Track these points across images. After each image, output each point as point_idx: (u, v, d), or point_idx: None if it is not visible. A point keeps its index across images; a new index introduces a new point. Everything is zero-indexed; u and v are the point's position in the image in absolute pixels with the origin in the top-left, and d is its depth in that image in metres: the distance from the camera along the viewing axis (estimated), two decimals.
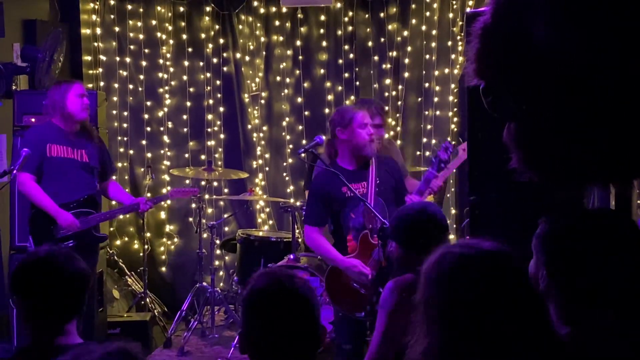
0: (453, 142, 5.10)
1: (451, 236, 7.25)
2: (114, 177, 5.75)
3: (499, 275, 1.80)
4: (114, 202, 6.02)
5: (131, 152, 7.58)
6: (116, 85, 7.57)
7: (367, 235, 4.72)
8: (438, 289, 1.90)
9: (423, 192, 4.92)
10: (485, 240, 1.83)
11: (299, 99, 7.52)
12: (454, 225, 7.21)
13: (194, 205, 7.39)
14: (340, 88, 7.43)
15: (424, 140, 7.30)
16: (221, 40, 7.55)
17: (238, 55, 7.54)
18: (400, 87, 7.35)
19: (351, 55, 7.42)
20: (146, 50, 7.57)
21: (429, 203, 3.92)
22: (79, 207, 5.39)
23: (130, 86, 7.59)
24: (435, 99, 7.27)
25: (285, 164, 7.59)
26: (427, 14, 7.25)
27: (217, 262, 7.32)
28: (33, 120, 6.27)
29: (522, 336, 1.77)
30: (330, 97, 7.46)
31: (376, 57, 7.38)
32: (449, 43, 7.22)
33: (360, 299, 4.68)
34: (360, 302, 4.69)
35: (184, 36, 7.56)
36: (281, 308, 2.40)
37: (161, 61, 7.58)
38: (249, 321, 2.40)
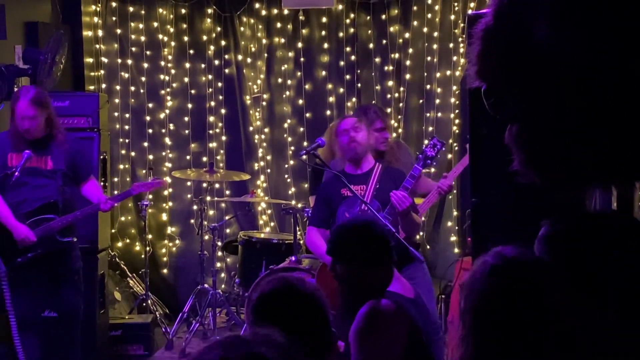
0: (445, 141, 5.09)
1: (453, 238, 7.25)
2: (92, 177, 5.63)
3: (528, 285, 1.77)
4: None
5: (133, 154, 7.59)
6: (118, 87, 7.57)
7: None
8: (470, 300, 1.89)
9: (408, 188, 4.91)
10: (517, 248, 1.80)
11: (301, 101, 7.52)
12: (456, 227, 7.22)
13: (195, 207, 7.39)
14: (341, 90, 7.43)
15: (426, 142, 7.27)
16: (223, 42, 7.55)
17: (240, 57, 7.54)
18: (401, 89, 7.35)
19: (353, 57, 7.42)
20: (148, 52, 7.58)
21: (364, 217, 3.86)
22: (37, 214, 5.33)
23: (132, 88, 7.59)
24: (437, 101, 7.27)
25: (286, 165, 7.59)
26: (429, 15, 7.25)
27: (218, 264, 7.32)
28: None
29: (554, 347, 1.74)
30: (331, 99, 7.46)
31: (378, 59, 7.38)
32: (451, 45, 7.22)
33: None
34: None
35: (186, 38, 7.57)
36: (293, 311, 2.39)
37: (163, 63, 7.58)
38: (258, 325, 2.38)
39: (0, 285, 5.06)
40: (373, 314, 3.15)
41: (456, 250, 7.18)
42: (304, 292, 2.44)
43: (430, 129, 7.26)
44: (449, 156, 7.28)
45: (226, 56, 7.56)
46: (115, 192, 6.89)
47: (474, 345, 1.75)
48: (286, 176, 7.60)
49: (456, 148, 7.27)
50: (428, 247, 7.18)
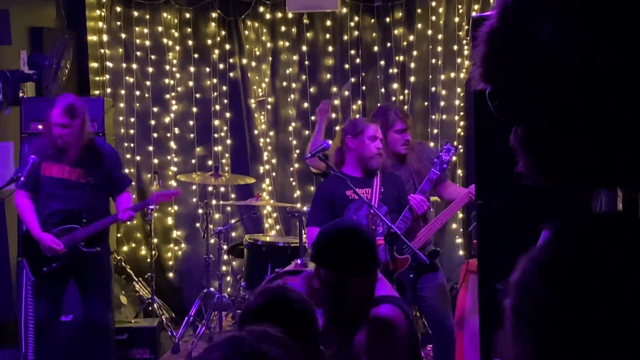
0: (456, 144, 5.13)
1: (458, 240, 7.24)
2: (126, 190, 5.66)
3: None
4: None
5: (138, 158, 7.60)
6: (123, 92, 7.59)
7: None
8: (520, 297, 1.85)
9: (426, 191, 4.94)
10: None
11: (306, 104, 7.52)
12: (461, 230, 7.21)
13: (201, 211, 7.40)
14: (346, 93, 7.44)
15: (431, 144, 7.29)
16: (227, 46, 7.56)
17: (244, 60, 7.55)
18: (406, 91, 7.36)
19: (357, 60, 7.43)
20: (153, 57, 7.59)
21: (349, 221, 3.84)
22: (62, 225, 5.38)
23: (137, 92, 7.61)
24: (442, 103, 7.28)
25: (292, 169, 7.60)
26: (433, 18, 7.25)
27: (224, 268, 7.33)
28: (40, 127, 6.29)
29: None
30: (336, 102, 7.47)
31: (382, 62, 7.39)
32: (455, 47, 7.22)
33: None
34: None
35: (190, 42, 7.58)
36: (277, 321, 2.39)
37: (167, 67, 7.60)
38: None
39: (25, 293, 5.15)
40: (380, 323, 3.13)
41: (461, 252, 7.18)
42: (290, 303, 2.46)
43: (435, 131, 7.26)
44: (454, 158, 7.27)
45: (231, 60, 7.58)
46: None
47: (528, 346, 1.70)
48: (291, 179, 7.61)
49: (461, 150, 7.27)
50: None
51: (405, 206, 4.96)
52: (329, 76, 7.50)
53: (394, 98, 7.36)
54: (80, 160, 5.40)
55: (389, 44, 7.37)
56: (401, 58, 7.35)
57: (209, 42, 7.58)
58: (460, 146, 7.27)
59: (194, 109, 7.63)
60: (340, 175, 4.89)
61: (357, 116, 7.35)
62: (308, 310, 2.49)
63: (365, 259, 3.17)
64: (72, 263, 5.39)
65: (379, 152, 4.97)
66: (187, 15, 7.57)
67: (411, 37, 7.31)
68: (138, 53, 7.58)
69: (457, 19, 7.20)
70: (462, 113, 7.29)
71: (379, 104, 7.30)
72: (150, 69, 7.59)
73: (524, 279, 1.77)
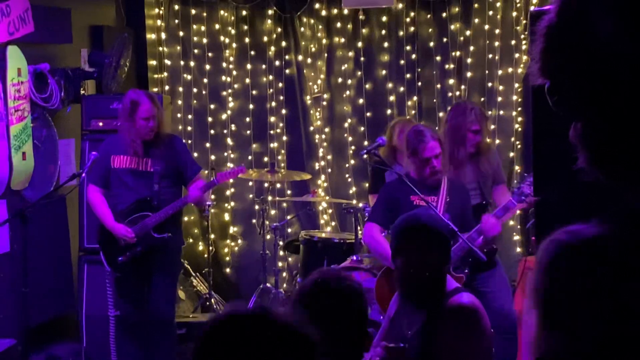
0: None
1: (516, 237, 7.17)
2: (198, 176, 5.75)
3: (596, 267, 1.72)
4: None
5: (195, 154, 7.67)
6: (180, 89, 7.68)
7: None
8: (542, 280, 1.84)
9: (500, 217, 4.93)
10: (594, 226, 1.74)
11: (361, 101, 7.52)
12: (518, 226, 7.13)
13: (257, 207, 7.45)
14: (402, 89, 7.41)
15: (488, 140, 7.22)
16: (283, 43, 7.59)
17: (300, 57, 7.57)
18: (463, 87, 7.30)
19: (413, 56, 7.40)
20: (210, 54, 7.66)
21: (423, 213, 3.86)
22: (131, 212, 5.52)
23: (195, 90, 7.69)
24: (499, 99, 7.21)
25: (347, 165, 7.60)
26: (490, 13, 7.18)
27: (280, 263, 7.37)
28: (101, 124, 6.41)
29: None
30: (392, 98, 7.44)
31: (438, 57, 7.34)
32: (513, 42, 7.14)
33: None
34: None
35: (247, 39, 7.63)
36: (327, 306, 2.40)
37: (224, 64, 7.66)
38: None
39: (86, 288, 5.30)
40: (466, 311, 3.25)
41: (518, 249, 7.10)
42: (338, 287, 2.46)
43: (492, 126, 7.19)
44: (511, 154, 7.20)
45: (287, 57, 7.60)
46: None
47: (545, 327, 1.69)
48: (347, 175, 7.61)
49: (519, 146, 7.19)
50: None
51: (467, 217, 4.95)
52: (384, 72, 7.48)
53: (450, 94, 7.31)
54: (148, 151, 5.56)
55: (445, 39, 7.32)
56: (457, 53, 7.30)
57: (265, 39, 7.61)
58: (517, 142, 7.19)
59: (251, 106, 7.68)
60: (406, 180, 4.87)
61: (413, 112, 7.32)
62: (355, 298, 2.50)
63: (439, 250, 3.37)
64: (145, 252, 5.52)
65: (434, 171, 4.92)
66: (244, 12, 7.62)
67: (468, 32, 7.25)
68: (195, 50, 7.66)
69: (515, 14, 7.12)
70: (519, 109, 7.22)
71: (434, 100, 7.27)
72: (208, 66, 7.66)
73: (543, 260, 1.74)
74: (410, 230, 3.40)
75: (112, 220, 5.53)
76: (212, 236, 7.37)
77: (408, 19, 7.38)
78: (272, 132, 7.67)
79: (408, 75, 7.39)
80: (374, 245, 5.08)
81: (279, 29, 7.59)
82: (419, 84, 7.41)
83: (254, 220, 7.61)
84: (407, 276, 3.36)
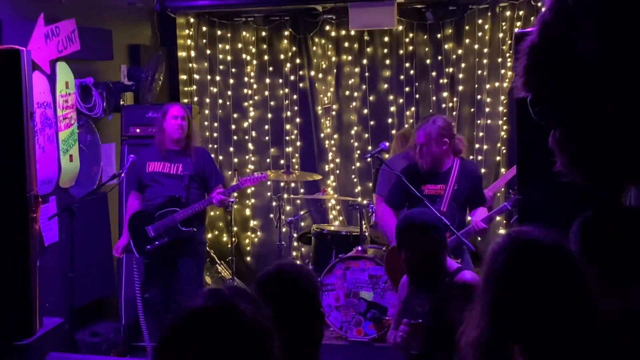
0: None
1: (501, 231, 7.15)
2: (219, 185, 5.81)
3: (546, 264, 1.73)
4: None
5: (220, 157, 7.70)
6: (207, 100, 7.69)
7: None
8: (488, 278, 1.87)
9: (492, 218, 4.93)
10: (535, 229, 1.76)
11: (365, 111, 7.51)
12: (504, 221, 7.11)
13: (274, 204, 7.46)
14: (401, 100, 7.40)
15: (477, 146, 7.22)
16: (297, 60, 7.59)
17: (312, 73, 7.57)
18: (455, 99, 7.28)
19: (412, 72, 7.38)
20: (233, 70, 7.67)
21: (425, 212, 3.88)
22: (163, 207, 5.54)
23: (220, 101, 7.70)
24: (487, 109, 7.18)
25: (353, 167, 7.60)
26: (479, 34, 7.16)
27: (294, 253, 7.37)
28: (138, 130, 6.43)
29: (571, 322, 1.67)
30: (392, 109, 7.44)
31: (434, 73, 7.33)
32: (499, 60, 7.12)
33: None
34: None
35: (266, 57, 7.63)
36: (280, 290, 2.39)
37: (246, 79, 7.67)
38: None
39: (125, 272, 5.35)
40: (470, 287, 3.32)
41: None
42: (290, 275, 2.46)
43: (481, 134, 7.17)
44: (498, 158, 7.18)
45: (300, 72, 7.60)
46: None
47: (490, 320, 1.71)
48: (353, 176, 7.60)
49: (504, 151, 7.17)
50: (479, 238, 7.08)
51: (475, 201, 4.94)
52: (386, 86, 7.47)
53: (444, 105, 7.29)
54: (179, 158, 5.59)
55: (439, 57, 7.30)
56: (451, 69, 7.28)
57: (282, 56, 7.61)
58: (503, 148, 7.18)
59: (269, 115, 7.68)
60: (401, 176, 4.83)
61: (411, 121, 7.31)
62: (307, 284, 2.49)
63: (440, 236, 3.49)
64: (172, 245, 5.54)
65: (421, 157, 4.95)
66: (263, 33, 7.62)
67: (460, 51, 7.23)
68: (221, 67, 7.67)
69: (501, 35, 7.10)
70: (505, 118, 7.19)
71: (430, 110, 7.25)
72: (231, 81, 7.67)
73: (491, 261, 1.76)
74: (407, 229, 3.49)
75: (125, 229, 5.73)
76: (235, 229, 7.39)
77: (407, 39, 7.36)
78: (287, 138, 7.67)
79: (407, 89, 7.38)
80: (382, 224, 5.25)
81: (294, 48, 7.60)
82: (417, 96, 7.39)
83: (271, 215, 7.62)
84: (412, 266, 3.48)
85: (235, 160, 7.70)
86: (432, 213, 3.98)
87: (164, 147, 5.64)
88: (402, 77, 7.40)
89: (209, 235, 7.61)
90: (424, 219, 3.51)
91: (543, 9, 1.74)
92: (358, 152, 7.55)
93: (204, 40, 7.64)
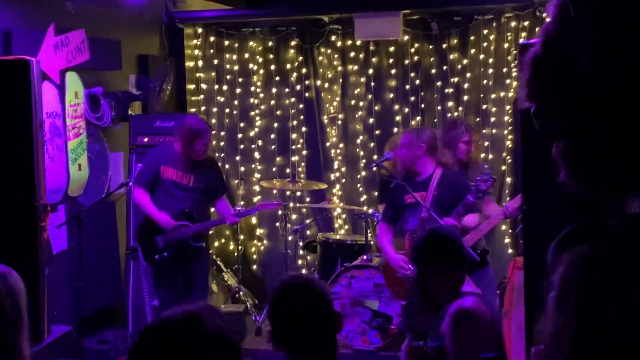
0: (496, 177, 5.03)
1: (507, 240, 7.14)
2: (223, 197, 5.90)
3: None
4: None
5: (227, 166, 7.71)
6: (215, 110, 7.71)
7: (414, 238, 4.83)
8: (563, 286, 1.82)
9: (460, 214, 4.86)
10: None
11: (371, 120, 7.52)
12: (510, 231, 7.10)
13: (280, 212, 7.46)
14: (407, 110, 7.41)
15: (482, 155, 7.21)
16: (304, 70, 7.61)
17: (318, 82, 7.59)
18: (460, 108, 7.28)
19: (417, 82, 7.38)
20: (240, 79, 7.69)
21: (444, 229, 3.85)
22: (175, 220, 5.52)
23: (227, 110, 7.72)
24: (492, 119, 7.18)
25: (359, 176, 7.60)
26: (485, 44, 7.17)
27: (300, 261, 7.37)
28: (146, 140, 6.45)
29: None
30: (398, 118, 7.45)
31: (439, 83, 7.33)
32: (504, 70, 7.12)
33: (405, 289, 4.84)
34: (405, 291, 4.86)
35: (272, 67, 7.66)
36: (299, 306, 2.41)
37: (252, 88, 7.69)
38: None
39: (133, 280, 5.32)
40: (464, 312, 3.18)
41: (510, 250, 7.07)
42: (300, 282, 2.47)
43: (486, 143, 7.17)
44: (503, 168, 7.18)
45: (307, 82, 7.62)
46: None
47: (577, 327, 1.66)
48: (358, 185, 7.61)
49: (509, 161, 7.17)
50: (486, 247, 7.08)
51: (454, 207, 4.92)
52: (391, 95, 7.48)
53: (449, 115, 7.29)
54: (192, 168, 5.59)
55: (445, 67, 7.31)
56: (456, 79, 7.28)
57: (288, 66, 7.64)
58: (508, 157, 7.17)
59: (275, 124, 7.70)
60: (399, 182, 4.94)
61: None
62: (322, 298, 2.49)
63: (459, 258, 3.34)
64: (181, 255, 5.53)
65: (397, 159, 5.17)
66: (270, 43, 7.65)
67: (465, 61, 7.24)
68: (228, 76, 7.69)
69: (506, 45, 7.11)
70: (510, 128, 7.19)
71: (434, 120, 7.26)
72: (238, 90, 7.70)
73: (568, 273, 1.74)
74: (428, 257, 3.33)
75: (158, 211, 5.52)
76: (241, 237, 7.40)
77: (412, 49, 7.37)
78: (293, 147, 7.68)
79: (412, 99, 7.38)
80: (379, 244, 5.32)
81: (300, 58, 7.62)
82: (422, 106, 7.40)
83: (277, 224, 7.62)
84: (428, 295, 3.34)
85: (242, 169, 7.72)
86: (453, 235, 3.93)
87: (180, 156, 5.63)
88: (407, 86, 7.41)
89: (216, 244, 7.62)
90: (447, 243, 3.41)
91: (547, 20, 1.75)
92: (364, 161, 7.55)
93: (212, 50, 7.67)
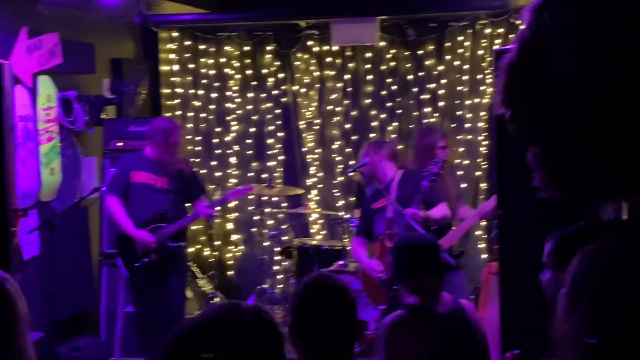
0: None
1: (481, 245, 7.17)
2: (202, 197, 5.85)
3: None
4: None
5: (203, 171, 7.67)
6: (190, 114, 7.67)
7: (382, 239, 4.91)
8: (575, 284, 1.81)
9: (420, 202, 4.86)
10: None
11: (348, 125, 7.52)
12: (485, 236, 7.13)
13: (256, 218, 7.44)
14: (384, 116, 7.42)
15: (457, 161, 7.24)
16: (280, 75, 7.60)
17: (295, 87, 7.58)
18: (436, 114, 7.31)
19: (393, 87, 7.40)
20: (216, 84, 7.66)
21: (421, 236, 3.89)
22: (149, 222, 5.47)
23: (203, 115, 7.68)
24: (467, 125, 7.21)
25: (335, 181, 7.59)
26: (460, 50, 7.20)
27: (276, 267, 7.34)
28: (119, 144, 6.40)
29: None
30: (375, 124, 7.45)
31: (415, 89, 7.35)
32: (479, 76, 7.16)
33: (381, 294, 4.88)
34: (381, 296, 4.90)
35: (249, 71, 7.63)
36: (326, 303, 2.40)
37: (229, 93, 7.66)
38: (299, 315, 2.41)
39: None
40: (392, 324, 3.22)
41: (484, 255, 7.10)
42: (333, 285, 2.46)
43: (462, 149, 7.20)
44: (478, 173, 7.21)
45: (283, 87, 7.61)
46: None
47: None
48: (335, 191, 7.60)
49: (485, 166, 7.20)
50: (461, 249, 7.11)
51: (415, 200, 4.90)
52: (368, 101, 7.49)
53: (425, 120, 7.31)
54: (164, 171, 5.54)
55: (421, 73, 7.33)
56: (432, 85, 7.31)
57: (265, 71, 7.62)
58: (483, 163, 7.21)
59: (252, 129, 7.67)
60: (376, 187, 4.99)
61: (393, 136, 7.33)
62: (348, 298, 2.47)
63: (437, 265, 3.40)
64: (161, 260, 5.48)
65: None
66: (247, 48, 7.63)
67: (440, 67, 7.26)
68: (204, 81, 7.66)
69: (481, 52, 7.14)
70: (485, 134, 7.22)
71: (410, 126, 7.28)
72: (214, 95, 7.66)
73: (580, 271, 1.72)
74: (407, 263, 3.39)
75: (133, 228, 5.48)
76: (217, 243, 7.35)
77: (389, 55, 7.39)
78: (270, 152, 7.66)
79: (389, 104, 7.40)
80: (353, 255, 5.44)
81: (277, 63, 7.60)
82: (399, 111, 7.41)
83: (253, 229, 7.59)
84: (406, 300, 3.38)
85: (218, 174, 7.68)
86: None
87: (152, 159, 5.59)
88: (384, 92, 7.42)
89: (191, 249, 7.57)
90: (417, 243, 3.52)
91: (522, 27, 1.75)
92: (340, 166, 7.55)
93: (187, 55, 7.63)
